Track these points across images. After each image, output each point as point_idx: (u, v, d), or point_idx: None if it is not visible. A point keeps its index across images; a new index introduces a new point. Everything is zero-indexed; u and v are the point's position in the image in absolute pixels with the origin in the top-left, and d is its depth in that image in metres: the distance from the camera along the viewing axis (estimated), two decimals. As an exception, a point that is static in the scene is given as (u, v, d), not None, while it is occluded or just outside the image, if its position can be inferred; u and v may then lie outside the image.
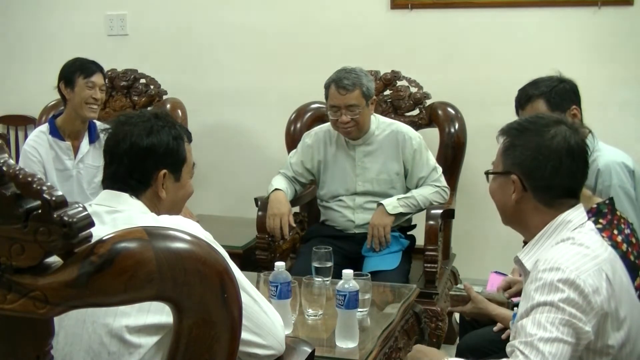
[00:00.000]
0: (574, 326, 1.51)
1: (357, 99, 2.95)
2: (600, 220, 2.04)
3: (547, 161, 1.67)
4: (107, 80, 3.33)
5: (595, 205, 2.07)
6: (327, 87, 3.01)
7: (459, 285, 2.42)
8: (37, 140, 3.16)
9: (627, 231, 2.05)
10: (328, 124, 3.17)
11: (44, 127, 3.20)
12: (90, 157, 3.20)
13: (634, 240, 2.05)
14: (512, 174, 1.71)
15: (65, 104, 3.17)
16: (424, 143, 3.12)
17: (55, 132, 3.16)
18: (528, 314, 1.54)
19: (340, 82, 2.95)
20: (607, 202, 2.09)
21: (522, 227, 1.77)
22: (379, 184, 3.11)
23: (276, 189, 3.10)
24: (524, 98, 2.51)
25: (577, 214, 1.69)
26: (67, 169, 3.18)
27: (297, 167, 3.22)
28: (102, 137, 1.72)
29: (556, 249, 1.62)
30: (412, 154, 3.07)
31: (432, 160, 3.13)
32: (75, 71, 3.11)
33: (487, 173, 1.82)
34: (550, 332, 1.49)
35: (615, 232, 2.02)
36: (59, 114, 3.22)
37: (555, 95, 2.46)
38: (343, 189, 3.16)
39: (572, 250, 1.61)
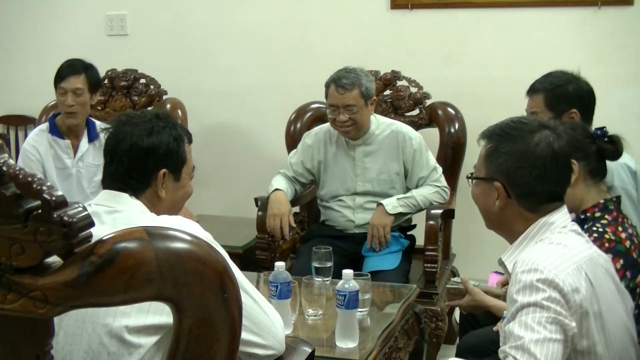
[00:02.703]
0: (560, 323, 1.50)
1: (355, 99, 2.95)
2: (606, 217, 2.03)
3: (531, 169, 1.66)
4: (89, 80, 3.10)
5: (602, 201, 2.06)
6: (327, 86, 3.01)
7: (455, 279, 2.42)
8: (37, 138, 3.16)
9: (630, 230, 2.06)
10: (326, 124, 3.17)
11: (44, 125, 3.21)
12: (90, 156, 3.20)
13: (636, 240, 2.05)
14: (495, 180, 1.70)
15: None
16: (424, 143, 3.12)
17: (55, 130, 3.16)
18: (514, 317, 1.54)
19: (340, 81, 2.95)
20: (614, 199, 2.09)
21: (506, 231, 1.76)
22: (379, 184, 3.11)
23: (276, 189, 3.10)
24: (531, 87, 2.57)
25: (559, 216, 1.68)
26: (67, 168, 3.18)
27: (297, 167, 3.22)
28: (103, 136, 1.72)
29: (533, 249, 1.62)
30: (412, 153, 3.07)
31: (432, 160, 3.13)
32: (55, 77, 3.10)
33: (469, 177, 1.81)
34: (539, 333, 1.48)
35: (620, 228, 2.01)
36: (58, 113, 3.22)
37: (554, 95, 2.47)
38: (343, 189, 3.15)
39: (550, 249, 1.60)
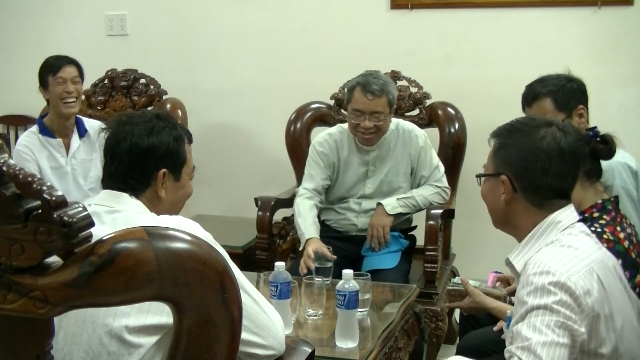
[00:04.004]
0: (569, 328, 1.51)
1: (382, 106, 2.88)
2: (604, 217, 2.03)
3: (536, 161, 1.67)
4: (79, 71, 3.18)
5: (600, 201, 2.06)
6: (350, 90, 2.92)
7: (456, 280, 2.41)
8: (28, 140, 3.17)
9: (629, 230, 2.06)
10: (332, 129, 3.14)
11: (34, 127, 3.23)
12: (82, 152, 3.22)
13: (634, 240, 2.05)
14: (502, 174, 1.72)
15: (48, 105, 3.21)
16: (429, 141, 3.11)
17: (45, 130, 3.18)
18: (523, 319, 1.54)
19: (369, 86, 2.85)
20: (612, 199, 2.09)
21: (513, 228, 1.76)
22: (388, 185, 3.09)
23: (308, 239, 2.85)
24: (531, 95, 2.50)
25: (566, 214, 1.69)
26: (62, 166, 3.19)
27: (321, 174, 3.09)
28: (102, 136, 1.72)
29: (545, 252, 1.62)
30: (419, 151, 3.06)
31: (436, 158, 3.12)
32: (45, 71, 3.13)
33: (478, 176, 1.83)
34: (546, 336, 1.49)
35: (618, 228, 2.02)
36: (45, 114, 3.25)
37: (562, 94, 2.45)
38: (352, 192, 3.12)
39: (561, 252, 1.60)
